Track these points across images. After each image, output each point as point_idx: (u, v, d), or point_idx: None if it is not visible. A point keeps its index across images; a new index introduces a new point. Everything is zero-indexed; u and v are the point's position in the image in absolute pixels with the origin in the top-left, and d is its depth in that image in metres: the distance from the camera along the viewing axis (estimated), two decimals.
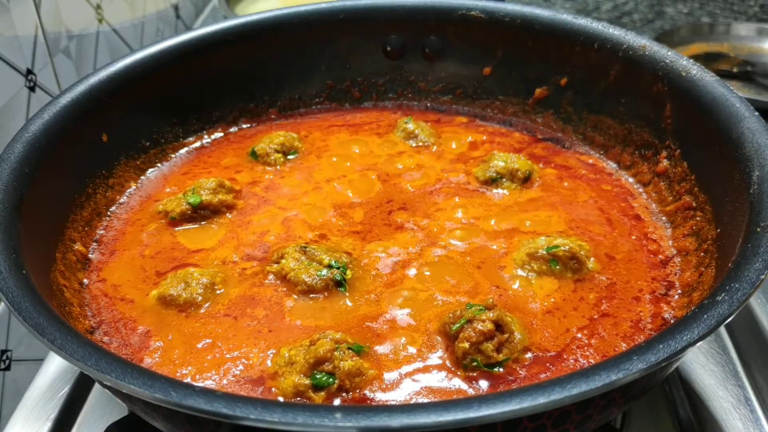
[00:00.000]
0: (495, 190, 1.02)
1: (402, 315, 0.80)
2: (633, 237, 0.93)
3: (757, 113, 0.84)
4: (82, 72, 1.36)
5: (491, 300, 0.78)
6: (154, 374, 0.58)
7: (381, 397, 0.71)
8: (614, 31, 1.06)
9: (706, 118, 0.89)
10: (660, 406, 0.89)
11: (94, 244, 0.95)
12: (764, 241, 0.68)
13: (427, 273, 0.86)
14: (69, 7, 1.32)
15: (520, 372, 0.73)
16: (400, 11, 1.21)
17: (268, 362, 0.75)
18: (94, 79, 1.00)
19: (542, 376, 0.73)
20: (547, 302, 0.82)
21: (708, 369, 0.93)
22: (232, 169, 1.10)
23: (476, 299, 0.82)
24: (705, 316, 0.61)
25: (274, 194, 1.03)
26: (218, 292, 0.85)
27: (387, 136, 1.17)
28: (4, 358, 1.12)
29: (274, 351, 0.76)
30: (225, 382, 0.73)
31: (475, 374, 0.72)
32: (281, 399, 0.70)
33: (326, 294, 0.83)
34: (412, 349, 0.76)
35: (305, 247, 0.87)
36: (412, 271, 0.87)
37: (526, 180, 1.03)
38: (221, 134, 1.20)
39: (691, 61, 0.97)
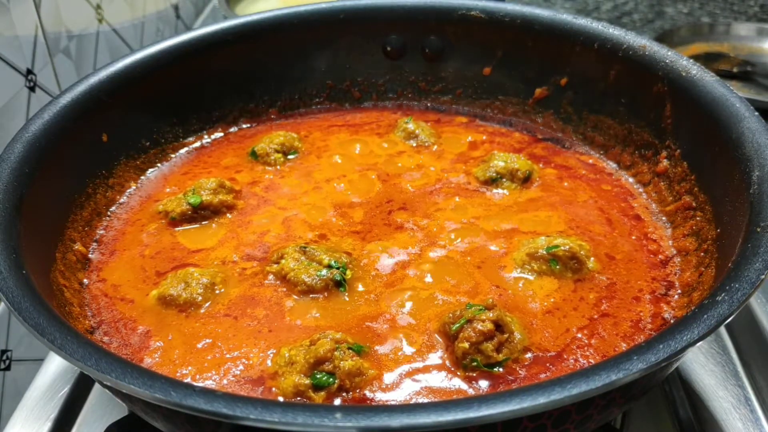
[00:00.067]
0: (495, 190, 1.02)
1: (402, 315, 0.80)
2: (633, 237, 0.93)
3: (757, 113, 0.84)
4: (82, 72, 1.36)
5: (491, 300, 0.78)
6: (154, 374, 0.58)
7: (381, 397, 0.71)
8: (614, 31, 1.06)
9: (706, 118, 0.89)
10: (660, 406, 0.89)
11: (94, 244, 0.95)
12: (764, 241, 0.68)
13: (427, 273, 0.86)
14: (69, 7, 1.32)
15: (520, 372, 0.73)
16: (400, 11, 1.21)
17: (268, 362, 0.75)
18: (94, 79, 1.00)
19: (542, 376, 0.73)
20: (547, 302, 0.82)
21: (708, 369, 0.93)
22: (232, 169, 1.10)
23: (476, 299, 0.82)
24: (705, 316, 0.61)
25: (274, 194, 1.03)
26: (218, 292, 0.85)
27: (387, 136, 1.17)
28: (4, 358, 1.12)
29: (274, 351, 0.76)
30: (225, 382, 0.73)
31: (474, 374, 0.72)
32: (281, 399, 0.70)
33: (326, 294, 0.83)
34: (412, 349, 0.76)
35: (305, 247, 0.87)
36: (412, 271, 0.87)
37: (526, 180, 1.03)
38: (221, 134, 1.20)
39: (691, 61, 0.97)
